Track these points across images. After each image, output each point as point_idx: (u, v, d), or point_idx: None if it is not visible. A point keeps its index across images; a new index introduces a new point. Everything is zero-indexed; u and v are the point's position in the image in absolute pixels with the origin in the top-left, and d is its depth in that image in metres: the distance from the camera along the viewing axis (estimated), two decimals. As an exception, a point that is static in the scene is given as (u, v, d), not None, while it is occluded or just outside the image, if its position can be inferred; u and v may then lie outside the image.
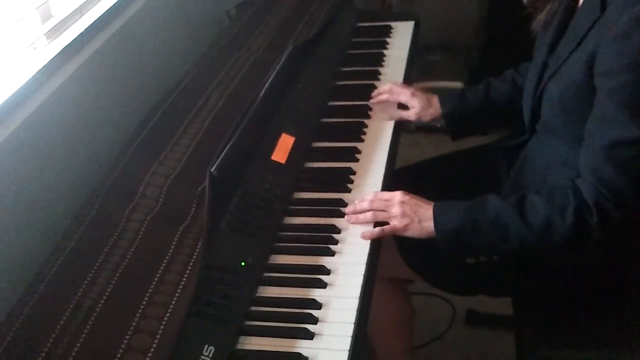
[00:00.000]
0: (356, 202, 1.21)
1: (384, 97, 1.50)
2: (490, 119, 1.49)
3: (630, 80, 0.98)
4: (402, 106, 1.49)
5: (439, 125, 1.48)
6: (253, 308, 1.02)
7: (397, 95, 1.49)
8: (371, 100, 1.51)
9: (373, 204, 1.18)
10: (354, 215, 1.18)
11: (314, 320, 0.99)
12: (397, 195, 1.18)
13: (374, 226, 1.17)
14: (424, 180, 1.50)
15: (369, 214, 1.17)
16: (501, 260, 1.25)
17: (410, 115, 1.47)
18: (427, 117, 1.47)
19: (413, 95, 1.47)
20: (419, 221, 1.15)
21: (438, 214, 1.14)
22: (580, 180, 1.07)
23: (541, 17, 1.21)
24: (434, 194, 1.46)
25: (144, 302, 0.95)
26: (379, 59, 1.69)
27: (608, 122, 1.02)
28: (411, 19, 1.86)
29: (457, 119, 1.46)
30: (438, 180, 1.49)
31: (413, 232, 1.16)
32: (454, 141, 1.51)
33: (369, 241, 1.14)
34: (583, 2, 1.12)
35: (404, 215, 1.15)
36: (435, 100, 1.47)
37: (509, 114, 1.41)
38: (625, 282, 1.25)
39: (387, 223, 1.17)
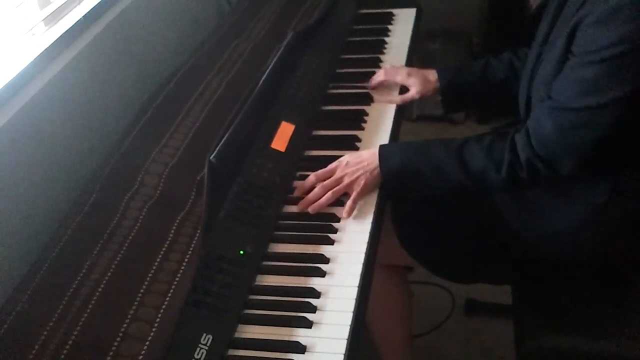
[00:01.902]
0: (302, 191, 1.21)
1: (380, 77, 1.50)
2: (483, 97, 1.49)
3: (617, 53, 0.98)
4: (403, 90, 1.49)
5: (440, 99, 1.48)
6: (251, 297, 1.02)
7: (393, 76, 1.49)
8: (370, 84, 1.50)
9: (325, 185, 1.19)
10: (316, 204, 1.17)
11: (313, 309, 0.98)
12: (336, 163, 1.21)
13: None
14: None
15: (329, 194, 1.17)
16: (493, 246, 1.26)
17: (413, 94, 1.47)
18: (430, 92, 1.47)
19: (409, 74, 1.48)
20: (371, 172, 1.19)
21: (383, 157, 1.19)
22: (519, 136, 1.11)
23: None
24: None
25: (142, 291, 0.95)
26: (380, 46, 1.68)
27: (569, 86, 1.04)
28: (413, 6, 1.85)
29: (451, 93, 1.46)
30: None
31: (372, 186, 1.19)
32: (446, 114, 1.52)
33: (369, 230, 1.13)
34: None
35: (357, 176, 1.18)
36: (433, 74, 1.47)
37: (503, 95, 1.41)
38: (625, 271, 1.24)
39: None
